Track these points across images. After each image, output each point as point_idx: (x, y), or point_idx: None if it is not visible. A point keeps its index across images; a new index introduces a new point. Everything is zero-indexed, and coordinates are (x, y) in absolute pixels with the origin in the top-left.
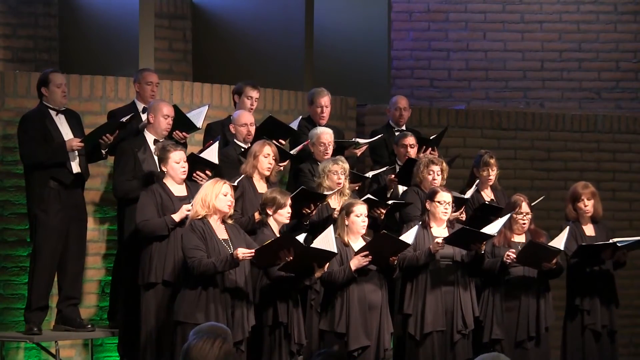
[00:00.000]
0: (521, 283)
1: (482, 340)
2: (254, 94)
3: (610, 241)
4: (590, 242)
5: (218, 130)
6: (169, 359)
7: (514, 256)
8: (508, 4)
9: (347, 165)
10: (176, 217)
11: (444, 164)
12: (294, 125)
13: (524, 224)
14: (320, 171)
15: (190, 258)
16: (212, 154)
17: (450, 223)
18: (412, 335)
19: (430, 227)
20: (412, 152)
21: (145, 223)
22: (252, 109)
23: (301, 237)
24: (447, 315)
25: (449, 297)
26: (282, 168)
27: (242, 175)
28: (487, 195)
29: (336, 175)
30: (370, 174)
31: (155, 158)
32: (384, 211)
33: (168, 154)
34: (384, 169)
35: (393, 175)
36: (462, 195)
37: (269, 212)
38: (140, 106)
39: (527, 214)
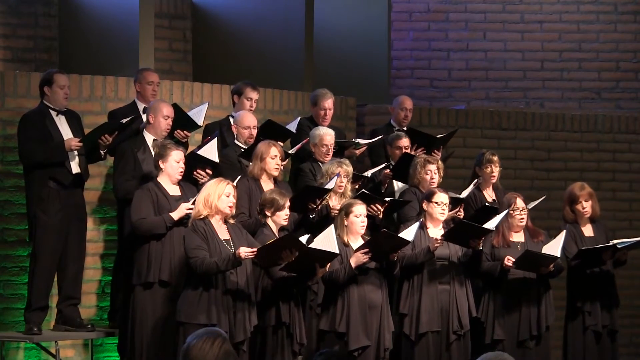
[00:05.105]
0: (522, 284)
1: (484, 342)
2: (254, 95)
3: (610, 243)
4: (589, 242)
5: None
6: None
7: (511, 264)
8: (508, 4)
9: (350, 169)
10: (175, 215)
11: (440, 162)
12: (293, 126)
13: (522, 219)
14: (323, 172)
15: (193, 258)
16: (211, 151)
17: (447, 224)
18: (407, 335)
19: (427, 228)
20: None
21: (142, 221)
22: (251, 109)
23: (303, 239)
24: (442, 315)
25: (445, 297)
26: (282, 167)
27: (239, 177)
28: (489, 195)
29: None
30: (369, 173)
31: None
32: (382, 209)
33: (169, 152)
34: (381, 166)
35: (388, 170)
36: (458, 195)
37: (268, 213)
38: (141, 106)
39: (523, 209)
